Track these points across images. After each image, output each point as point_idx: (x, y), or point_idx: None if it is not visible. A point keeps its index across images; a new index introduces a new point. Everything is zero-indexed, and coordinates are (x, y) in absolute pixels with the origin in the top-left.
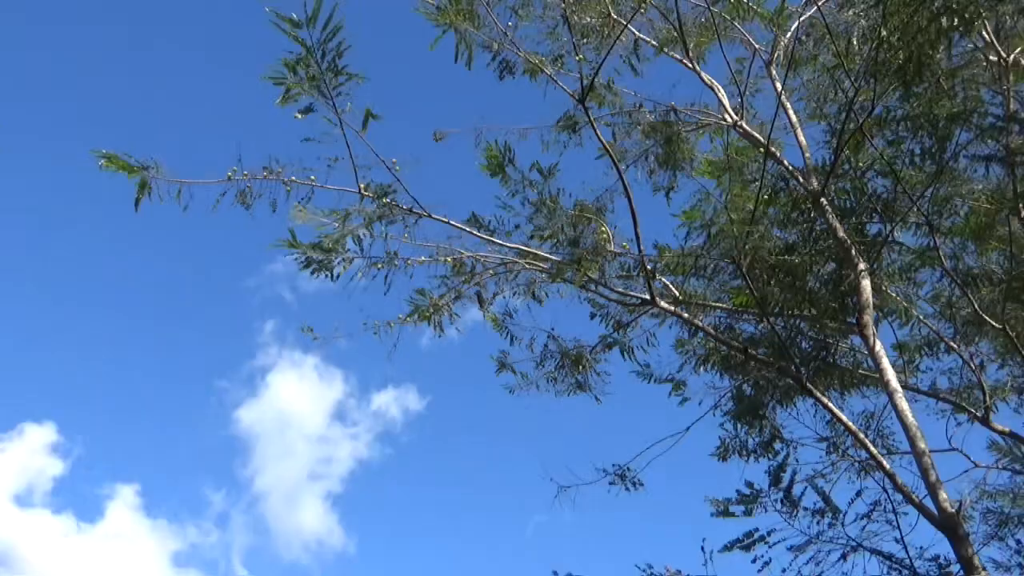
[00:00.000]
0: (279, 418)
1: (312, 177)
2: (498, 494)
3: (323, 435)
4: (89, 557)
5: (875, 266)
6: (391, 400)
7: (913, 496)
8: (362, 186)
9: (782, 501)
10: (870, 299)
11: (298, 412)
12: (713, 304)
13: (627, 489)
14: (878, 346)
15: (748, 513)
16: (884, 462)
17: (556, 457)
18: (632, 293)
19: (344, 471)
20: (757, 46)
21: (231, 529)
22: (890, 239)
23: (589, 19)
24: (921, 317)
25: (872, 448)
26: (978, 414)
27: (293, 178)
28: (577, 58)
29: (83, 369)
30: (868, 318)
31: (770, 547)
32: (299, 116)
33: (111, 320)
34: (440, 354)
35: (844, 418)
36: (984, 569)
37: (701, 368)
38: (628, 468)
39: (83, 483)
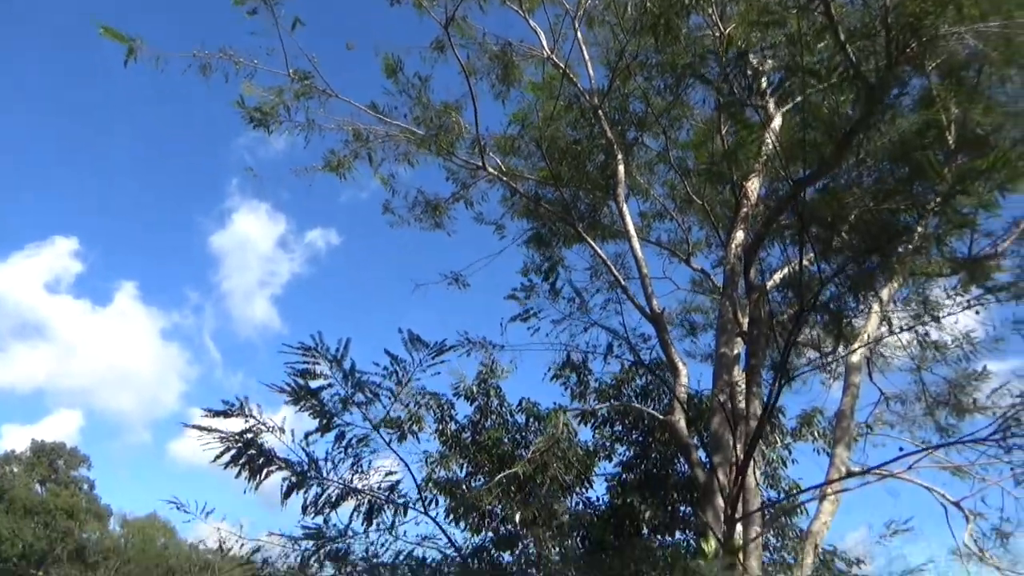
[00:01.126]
0: (240, 244)
1: (255, 60)
2: (382, 296)
3: (270, 257)
4: (101, 330)
5: (629, 159)
6: (318, 236)
7: (635, 300)
8: (291, 71)
9: (549, 291)
10: (623, 179)
11: (253, 241)
12: (526, 176)
13: (459, 288)
14: (625, 209)
15: (527, 298)
16: (621, 279)
17: (418, 271)
18: (471, 162)
19: (284, 281)
20: (568, 6)
21: (203, 316)
22: (640, 141)
23: None
24: (656, 196)
25: (615, 272)
26: (684, 258)
27: (241, 59)
28: None
29: (103, 198)
30: (621, 191)
31: (539, 320)
32: (248, 15)
33: (126, 164)
34: (351, 208)
35: (602, 254)
36: (673, 345)
37: (516, 217)
38: (460, 275)
39: (97, 279)
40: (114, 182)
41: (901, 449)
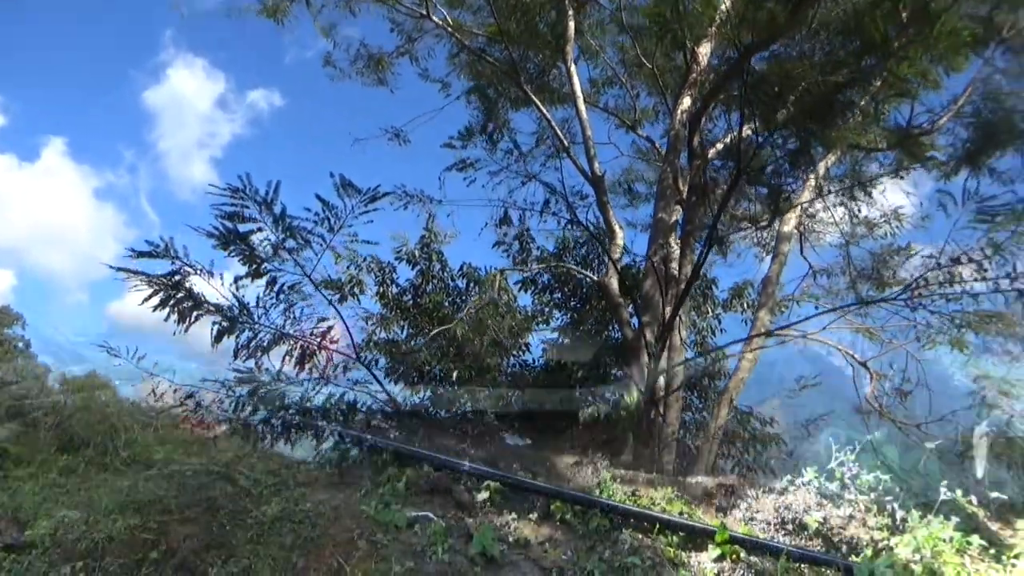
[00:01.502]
0: (176, 102)
1: None
2: (327, 160)
3: (210, 117)
4: (29, 187)
5: (581, 16)
6: (261, 97)
7: (577, 161)
8: None
9: (487, 142)
10: (572, 36)
11: (191, 99)
12: (474, 31)
13: (399, 144)
14: (573, 68)
15: (464, 147)
16: (564, 141)
17: (361, 128)
18: (416, 9)
19: (224, 143)
20: None
21: (139, 176)
22: None
23: None
24: (606, 60)
25: (559, 132)
26: (630, 124)
27: None
28: None
29: (24, 48)
30: (569, 48)
31: (476, 172)
32: None
33: (48, 8)
34: (296, 68)
35: (548, 115)
36: (611, 209)
37: (462, 76)
38: (401, 130)
39: (21, 134)
40: (36, 30)
41: (816, 308)
